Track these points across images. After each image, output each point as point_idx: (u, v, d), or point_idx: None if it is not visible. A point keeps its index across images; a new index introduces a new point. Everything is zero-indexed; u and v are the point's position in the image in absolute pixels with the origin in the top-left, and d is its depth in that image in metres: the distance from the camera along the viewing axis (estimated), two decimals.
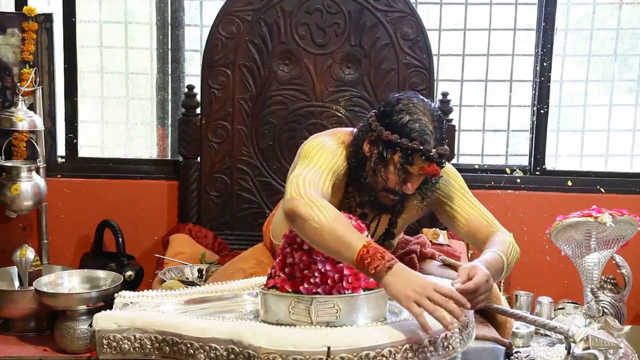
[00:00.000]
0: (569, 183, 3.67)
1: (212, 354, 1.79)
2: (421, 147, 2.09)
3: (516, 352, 2.97)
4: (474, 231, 2.26)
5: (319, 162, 2.15)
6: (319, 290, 1.89)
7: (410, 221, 2.48)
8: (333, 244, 1.85)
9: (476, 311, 2.27)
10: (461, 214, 2.29)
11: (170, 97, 3.75)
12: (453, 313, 1.76)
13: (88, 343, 2.96)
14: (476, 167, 3.76)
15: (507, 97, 3.75)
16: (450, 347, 1.86)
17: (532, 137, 3.70)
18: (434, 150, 2.10)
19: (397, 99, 2.17)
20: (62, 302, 3.00)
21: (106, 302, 2.92)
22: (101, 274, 3.15)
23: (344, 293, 1.89)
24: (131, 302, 2.05)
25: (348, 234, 1.85)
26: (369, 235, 2.04)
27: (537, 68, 3.64)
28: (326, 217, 1.88)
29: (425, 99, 2.19)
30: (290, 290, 1.92)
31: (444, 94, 3.46)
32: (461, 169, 3.61)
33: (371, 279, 1.91)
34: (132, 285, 3.18)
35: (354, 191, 2.25)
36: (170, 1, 3.67)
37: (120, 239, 3.34)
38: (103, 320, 1.89)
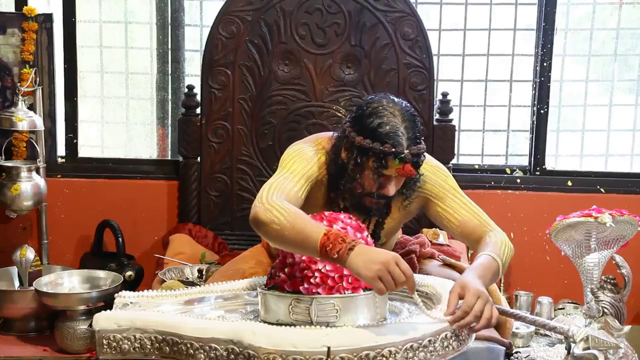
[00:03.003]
0: (569, 183, 3.67)
1: (212, 354, 1.79)
2: (393, 150, 2.07)
3: (516, 352, 2.97)
4: (467, 232, 2.26)
5: (291, 168, 2.17)
6: (319, 290, 1.89)
7: (401, 222, 2.46)
8: (296, 240, 1.88)
9: None
10: (453, 215, 2.27)
11: (170, 97, 3.75)
12: (407, 288, 1.83)
13: (88, 343, 2.97)
14: (476, 167, 3.76)
15: (507, 97, 3.75)
16: (450, 347, 1.86)
17: (532, 137, 3.70)
18: (406, 151, 2.09)
19: (367, 103, 2.17)
20: (62, 302, 3.00)
21: (106, 302, 2.93)
22: (101, 274, 3.15)
23: (344, 293, 1.89)
24: (131, 302, 2.06)
25: (307, 227, 1.88)
26: (369, 235, 2.04)
27: (537, 68, 3.64)
28: (285, 217, 1.91)
29: (396, 99, 2.18)
30: (290, 290, 1.92)
31: (444, 94, 3.46)
32: (461, 169, 3.66)
33: None
34: (132, 285, 3.18)
35: (337, 197, 2.25)
36: (170, 1, 3.67)
37: (120, 239, 3.34)
38: (103, 320, 1.89)
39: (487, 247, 2.12)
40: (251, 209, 2.00)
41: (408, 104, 2.19)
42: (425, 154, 2.27)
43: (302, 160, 2.21)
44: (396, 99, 2.18)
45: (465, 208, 2.27)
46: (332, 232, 1.84)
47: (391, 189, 2.16)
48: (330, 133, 2.30)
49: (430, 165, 2.30)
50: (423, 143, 2.16)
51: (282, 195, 2.03)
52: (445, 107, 3.45)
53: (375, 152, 2.09)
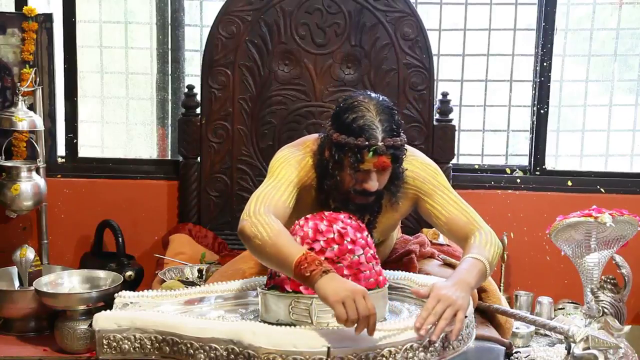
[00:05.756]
0: (569, 183, 3.67)
1: (212, 354, 1.79)
2: (366, 143, 2.08)
3: (516, 352, 2.97)
4: (454, 229, 2.23)
5: (279, 175, 2.19)
6: None
7: (396, 220, 2.44)
8: (275, 257, 1.91)
9: (476, 311, 2.28)
10: (441, 211, 2.25)
11: (170, 97, 3.75)
12: (367, 328, 1.75)
13: (88, 343, 2.97)
14: (476, 167, 3.76)
15: (507, 97, 3.75)
16: (450, 347, 1.86)
17: (532, 137, 3.70)
18: (380, 143, 2.08)
19: (344, 100, 2.19)
20: (62, 302, 3.00)
21: (106, 302, 2.93)
22: (101, 274, 3.15)
23: None
24: (131, 302, 2.06)
25: (288, 246, 1.90)
26: (369, 235, 2.04)
27: (537, 68, 3.64)
28: (268, 234, 1.94)
29: (374, 94, 2.18)
30: (290, 290, 1.92)
31: (444, 94, 3.46)
32: (461, 169, 3.67)
33: (371, 279, 1.92)
34: (132, 285, 3.18)
35: (327, 198, 2.24)
36: (170, 1, 3.67)
37: (120, 239, 3.34)
38: (103, 320, 1.89)
39: (471, 249, 2.10)
40: (239, 221, 2.04)
41: (386, 99, 2.19)
42: (417, 151, 2.27)
43: (290, 166, 2.21)
44: (373, 94, 2.18)
45: (454, 205, 2.25)
46: (310, 255, 1.85)
47: (372, 184, 2.14)
48: (316, 135, 2.31)
49: (420, 162, 2.30)
50: (402, 135, 2.15)
51: (269, 207, 2.06)
52: (445, 107, 3.45)
53: (350, 147, 2.10)
